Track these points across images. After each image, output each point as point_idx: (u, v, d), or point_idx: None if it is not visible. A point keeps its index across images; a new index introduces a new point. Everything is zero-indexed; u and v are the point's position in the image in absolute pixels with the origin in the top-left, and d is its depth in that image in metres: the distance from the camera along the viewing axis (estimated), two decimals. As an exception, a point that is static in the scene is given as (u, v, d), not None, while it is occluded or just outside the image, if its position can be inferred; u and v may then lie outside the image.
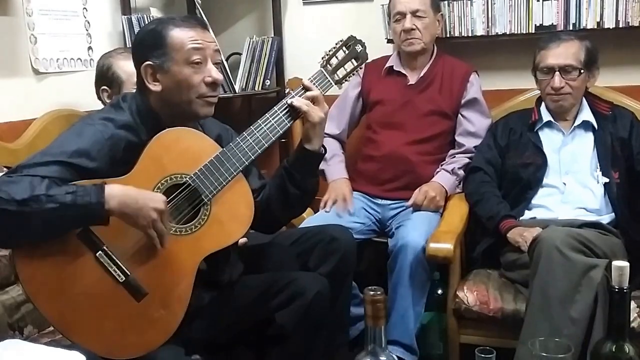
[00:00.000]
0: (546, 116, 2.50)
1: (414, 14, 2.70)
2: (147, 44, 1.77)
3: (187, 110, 1.79)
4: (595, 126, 2.45)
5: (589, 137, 2.46)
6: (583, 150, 2.45)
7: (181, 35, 1.74)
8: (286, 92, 2.48)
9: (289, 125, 1.89)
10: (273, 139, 1.86)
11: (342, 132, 2.93)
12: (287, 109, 1.89)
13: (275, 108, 1.89)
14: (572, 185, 2.42)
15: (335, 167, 2.84)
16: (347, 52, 2.02)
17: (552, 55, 2.42)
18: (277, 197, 1.97)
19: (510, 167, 2.52)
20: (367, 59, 2.07)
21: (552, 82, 2.41)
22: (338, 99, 2.93)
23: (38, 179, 1.56)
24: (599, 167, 2.40)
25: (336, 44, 2.03)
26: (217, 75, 1.78)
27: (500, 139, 2.58)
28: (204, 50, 1.76)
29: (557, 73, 2.40)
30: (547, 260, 2.02)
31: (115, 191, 1.60)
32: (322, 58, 1.99)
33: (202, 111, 1.80)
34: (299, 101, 1.88)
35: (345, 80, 2.03)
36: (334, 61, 2.00)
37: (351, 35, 2.05)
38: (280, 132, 1.87)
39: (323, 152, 1.96)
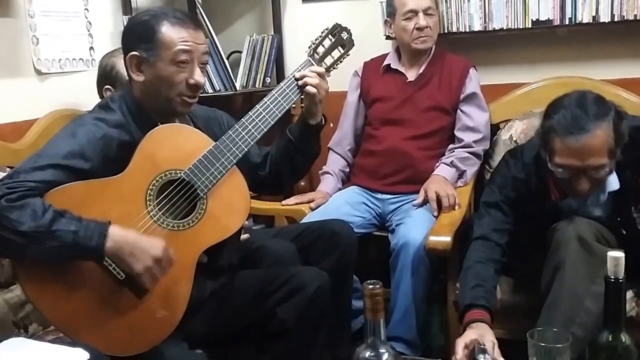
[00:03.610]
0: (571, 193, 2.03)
1: (425, 11, 2.70)
2: (137, 35, 1.77)
3: (165, 106, 1.79)
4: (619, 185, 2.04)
5: (610, 197, 2.08)
6: (602, 214, 2.13)
7: (172, 34, 1.74)
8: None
9: (280, 116, 1.91)
10: (265, 130, 1.88)
11: (347, 151, 2.98)
12: (279, 104, 1.91)
13: (267, 100, 1.90)
14: None
15: (324, 182, 2.93)
16: (333, 40, 2.04)
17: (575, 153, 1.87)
18: (284, 165, 2.07)
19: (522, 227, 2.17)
20: (353, 46, 2.07)
21: (577, 185, 1.93)
22: (343, 108, 2.97)
23: (40, 204, 1.55)
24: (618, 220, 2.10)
25: (322, 32, 2.03)
26: (199, 78, 1.77)
27: (507, 203, 2.17)
28: (191, 53, 1.75)
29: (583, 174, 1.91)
30: (567, 248, 1.96)
31: (116, 236, 1.60)
32: (309, 47, 2.01)
33: (179, 109, 1.81)
34: (309, 73, 1.94)
35: (333, 69, 2.04)
36: (320, 49, 2.02)
37: (336, 23, 2.06)
38: (272, 123, 1.89)
39: (323, 122, 2.04)
